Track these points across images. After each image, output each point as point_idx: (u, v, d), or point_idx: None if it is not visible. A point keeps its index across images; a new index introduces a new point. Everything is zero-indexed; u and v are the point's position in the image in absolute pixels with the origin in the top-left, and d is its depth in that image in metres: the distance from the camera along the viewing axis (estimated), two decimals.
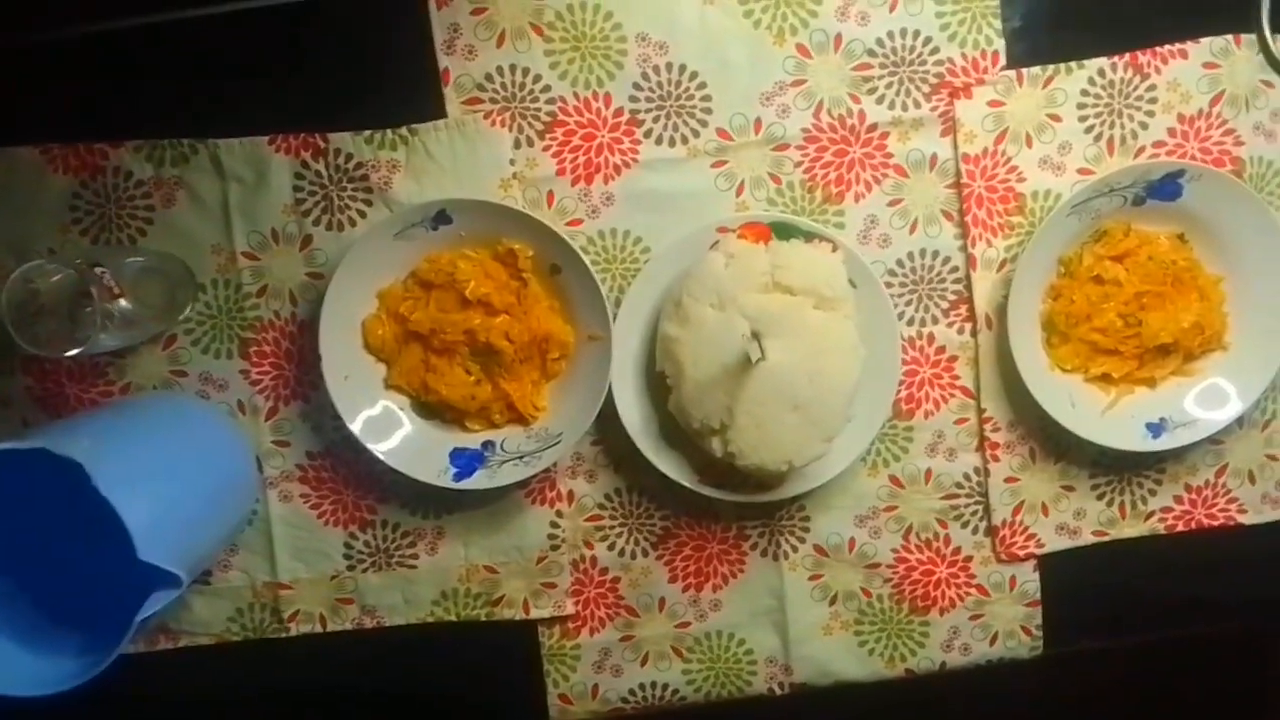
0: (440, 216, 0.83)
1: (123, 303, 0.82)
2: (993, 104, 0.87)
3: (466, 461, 0.87)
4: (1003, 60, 0.87)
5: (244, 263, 0.87)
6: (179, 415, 0.86)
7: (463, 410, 0.86)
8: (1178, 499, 0.92)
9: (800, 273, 0.81)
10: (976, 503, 0.92)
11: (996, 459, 0.91)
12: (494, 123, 0.86)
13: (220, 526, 0.85)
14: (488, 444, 0.87)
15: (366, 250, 0.83)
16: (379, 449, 0.85)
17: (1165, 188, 0.85)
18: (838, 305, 0.81)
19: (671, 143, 0.87)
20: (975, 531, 0.92)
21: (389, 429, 0.86)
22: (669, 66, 0.86)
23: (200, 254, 0.87)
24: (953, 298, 0.89)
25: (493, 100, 0.86)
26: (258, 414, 0.89)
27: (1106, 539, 0.92)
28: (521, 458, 0.86)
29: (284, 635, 0.92)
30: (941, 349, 0.90)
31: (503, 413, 0.87)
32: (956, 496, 0.92)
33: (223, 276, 0.87)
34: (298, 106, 0.86)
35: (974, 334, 0.89)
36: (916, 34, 0.86)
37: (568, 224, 0.87)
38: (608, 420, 0.87)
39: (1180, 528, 0.92)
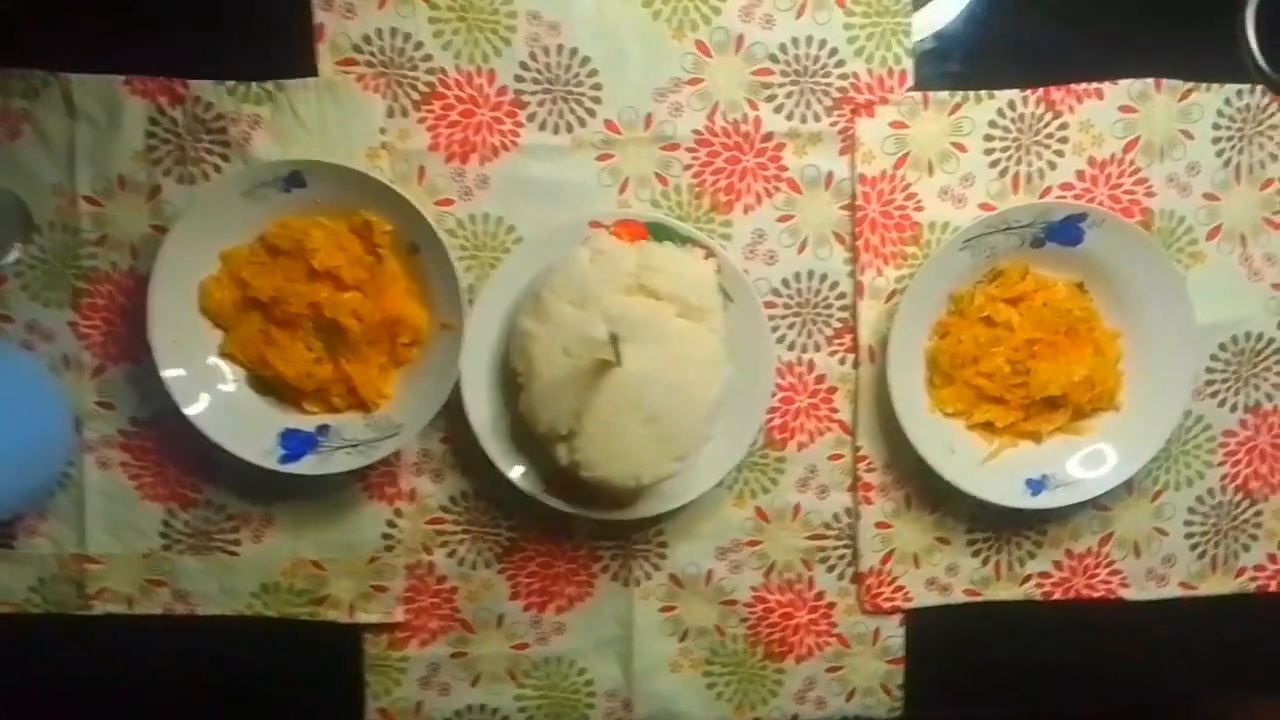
0: (293, 178, 0.78)
1: None
2: (895, 125, 0.82)
3: (297, 444, 0.80)
4: (910, 80, 0.82)
5: (85, 208, 0.81)
6: None
7: (299, 389, 0.80)
8: (1057, 564, 0.87)
9: (668, 277, 0.76)
10: (845, 546, 0.86)
11: (869, 501, 0.85)
12: (367, 87, 0.80)
13: (18, 485, 0.78)
14: (323, 428, 0.81)
15: (211, 205, 0.78)
16: (192, 410, 0.78)
17: (1066, 231, 0.80)
18: (704, 315, 0.76)
19: (556, 130, 0.82)
20: (841, 577, 0.87)
21: (214, 398, 0.80)
22: (560, 49, 0.81)
23: (40, 193, 0.81)
24: (838, 325, 0.84)
25: (369, 64, 0.81)
26: (83, 371, 0.83)
27: (979, 599, 0.87)
28: (357, 445, 0.80)
29: (87, 613, 0.85)
30: (821, 378, 0.85)
31: (343, 396, 0.81)
32: (824, 537, 0.86)
33: (61, 220, 0.81)
34: (159, 49, 0.80)
35: (856, 366, 0.84)
36: (823, 44, 0.82)
37: (436, 203, 0.82)
38: (460, 417, 0.81)
39: (1058, 595, 0.87)
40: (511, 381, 0.80)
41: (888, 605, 0.86)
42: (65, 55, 0.80)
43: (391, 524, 0.84)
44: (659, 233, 0.80)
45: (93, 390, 0.83)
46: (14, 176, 0.81)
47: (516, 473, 0.81)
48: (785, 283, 0.84)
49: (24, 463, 0.78)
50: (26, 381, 0.81)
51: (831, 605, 0.87)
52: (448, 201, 0.82)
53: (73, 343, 0.82)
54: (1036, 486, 0.82)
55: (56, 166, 0.81)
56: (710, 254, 0.79)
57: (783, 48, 0.82)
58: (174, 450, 0.84)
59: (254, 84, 0.80)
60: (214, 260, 0.80)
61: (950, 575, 0.86)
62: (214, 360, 0.81)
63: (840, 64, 0.82)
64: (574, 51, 0.81)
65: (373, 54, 0.81)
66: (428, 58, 0.81)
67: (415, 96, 0.81)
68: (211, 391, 0.80)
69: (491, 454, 0.81)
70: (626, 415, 0.75)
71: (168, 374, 0.78)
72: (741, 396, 0.80)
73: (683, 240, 0.79)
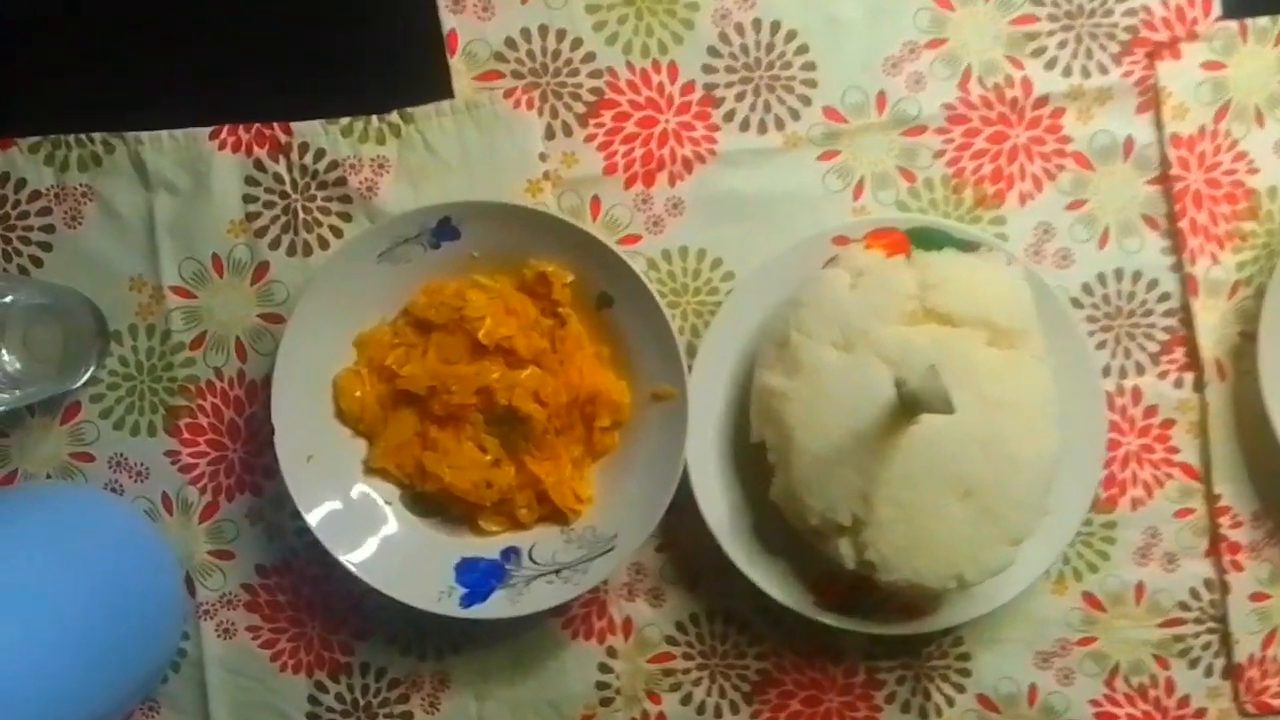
0: (443, 229, 0.59)
1: (4, 355, 0.59)
2: (1209, 66, 0.62)
3: (480, 578, 0.61)
4: (1217, 8, 0.62)
5: (174, 301, 0.63)
6: (74, 519, 0.61)
7: (475, 504, 0.60)
8: None
9: (963, 293, 0.56)
10: (1210, 631, 0.64)
11: (1238, 567, 0.63)
12: (518, 104, 0.62)
13: (126, 677, 0.60)
14: (510, 552, 0.61)
15: (340, 277, 0.59)
16: (353, 560, 0.59)
17: None
18: (1022, 340, 0.55)
19: (762, 128, 0.63)
20: (1209, 673, 0.64)
21: (369, 532, 0.60)
22: (756, 25, 0.63)
23: (115, 290, 0.64)
24: (1164, 337, 0.63)
25: (516, 74, 0.63)
26: (190, 513, 0.64)
27: None
28: (558, 571, 0.60)
29: None
30: (1152, 409, 0.64)
31: (531, 506, 0.61)
32: (1181, 623, 0.64)
33: (145, 321, 0.64)
34: (250, 88, 0.63)
35: (1198, 388, 0.63)
36: None
37: (620, 241, 0.63)
38: (680, 516, 0.61)
39: None
40: (754, 460, 0.60)
41: (1277, 702, 0.64)
42: (130, 110, 0.63)
43: (605, 668, 0.64)
44: (925, 239, 0.60)
45: (204, 537, 0.64)
46: (79, 273, 0.64)
47: (775, 583, 0.61)
48: (1086, 289, 0.63)
49: (125, 646, 0.60)
50: (119, 537, 0.62)
51: (1201, 713, 0.64)
52: (633, 238, 0.63)
53: (173, 478, 0.64)
54: None
55: (132, 253, 0.64)
56: (1011, 258, 0.59)
57: None
58: (315, 602, 0.64)
59: (374, 118, 0.62)
60: (347, 349, 0.61)
61: None
62: (359, 478, 0.61)
63: None
64: (776, 25, 0.63)
65: (520, 61, 0.63)
66: (590, 57, 0.63)
67: (580, 109, 0.63)
68: (361, 521, 0.61)
69: (739, 561, 0.60)
70: (935, 490, 0.54)
71: (306, 504, 0.58)
72: (1064, 448, 0.58)
73: (962, 245, 0.60)
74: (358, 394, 0.61)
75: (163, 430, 0.64)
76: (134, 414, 0.64)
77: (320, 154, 0.62)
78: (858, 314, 0.56)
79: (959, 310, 0.55)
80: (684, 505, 0.60)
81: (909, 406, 0.53)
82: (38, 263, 0.63)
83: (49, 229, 0.63)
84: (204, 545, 0.64)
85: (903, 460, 0.54)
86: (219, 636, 0.65)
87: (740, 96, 0.63)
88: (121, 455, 0.64)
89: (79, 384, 0.63)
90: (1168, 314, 0.63)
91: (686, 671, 0.65)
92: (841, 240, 0.60)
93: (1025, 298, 0.56)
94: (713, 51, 0.63)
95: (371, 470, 0.62)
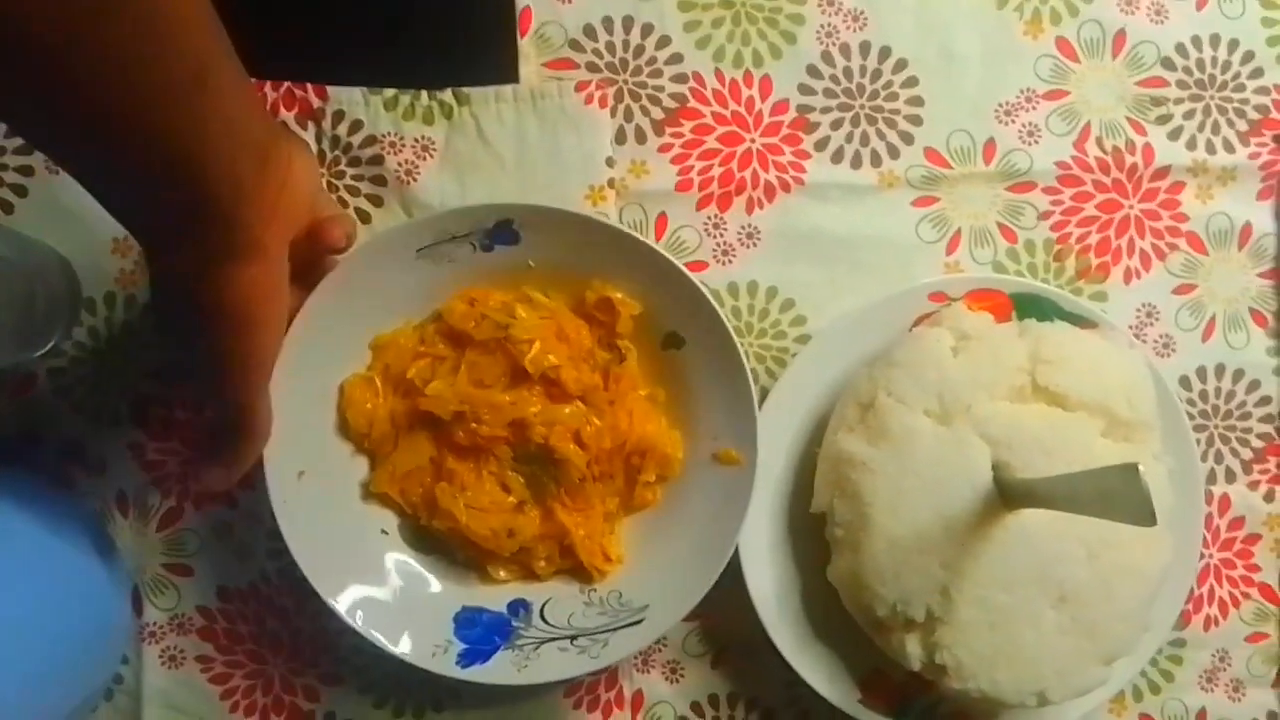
0: (501, 231, 0.51)
1: None
2: None
3: (481, 633, 0.52)
4: None
5: None
6: (8, 511, 0.51)
7: (490, 551, 0.52)
8: None
9: (1082, 375, 0.50)
10: None
11: None
12: (590, 99, 0.55)
13: (51, 704, 0.50)
14: (518, 606, 0.53)
15: (368, 269, 0.51)
16: (339, 600, 0.50)
17: None
18: (1142, 434, 0.50)
19: (856, 161, 0.56)
20: None
21: (361, 566, 0.52)
22: (864, 48, 0.56)
23: (94, 251, 0.54)
24: (1259, 444, 0.59)
25: (592, 66, 0.55)
26: (147, 518, 0.55)
27: None
28: (574, 639, 0.52)
29: None
30: (1238, 521, 0.58)
31: (551, 558, 0.53)
32: None
33: (125, 290, 0.54)
34: (285, 43, 0.55)
35: None
36: (1233, 45, 0.58)
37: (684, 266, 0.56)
38: (716, 586, 0.53)
39: None
40: (810, 533, 0.53)
41: None
42: None
43: None
44: (1030, 308, 0.54)
45: (160, 547, 0.55)
46: (55, 226, 0.54)
47: (819, 674, 0.53)
48: (1184, 382, 0.58)
49: (54, 668, 0.50)
50: (60, 538, 0.52)
51: None
52: (699, 265, 0.56)
53: (135, 474, 0.55)
54: None
55: None
56: (1134, 342, 0.53)
57: (1180, 49, 0.58)
58: (280, 635, 0.55)
59: (424, 93, 0.54)
60: (362, 350, 0.53)
61: None
62: (356, 503, 0.53)
63: (1257, 74, 0.58)
64: (885, 51, 0.56)
65: (598, 52, 0.55)
66: (676, 59, 0.56)
67: (657, 114, 0.56)
68: (352, 553, 0.52)
69: (781, 644, 0.53)
70: (1028, 593, 0.48)
71: (289, 526, 0.50)
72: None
73: (1071, 319, 0.54)
74: (368, 406, 0.52)
75: (129, 420, 0.54)
76: (98, 395, 0.54)
77: (357, 126, 0.54)
78: (960, 383, 0.49)
79: (1076, 393, 0.49)
80: (721, 575, 0.52)
81: (1009, 495, 0.47)
82: (8, 208, 0.54)
83: (26, 171, 0.54)
84: (159, 557, 0.55)
85: (995, 555, 0.48)
86: (163, 665, 0.55)
87: (837, 124, 0.56)
88: (78, 442, 0.54)
89: (38, 354, 0.53)
90: (1265, 420, 0.58)
91: None
92: (939, 297, 0.54)
93: (1149, 388, 0.50)
94: (813, 71, 0.56)
95: (371, 495, 0.53)
